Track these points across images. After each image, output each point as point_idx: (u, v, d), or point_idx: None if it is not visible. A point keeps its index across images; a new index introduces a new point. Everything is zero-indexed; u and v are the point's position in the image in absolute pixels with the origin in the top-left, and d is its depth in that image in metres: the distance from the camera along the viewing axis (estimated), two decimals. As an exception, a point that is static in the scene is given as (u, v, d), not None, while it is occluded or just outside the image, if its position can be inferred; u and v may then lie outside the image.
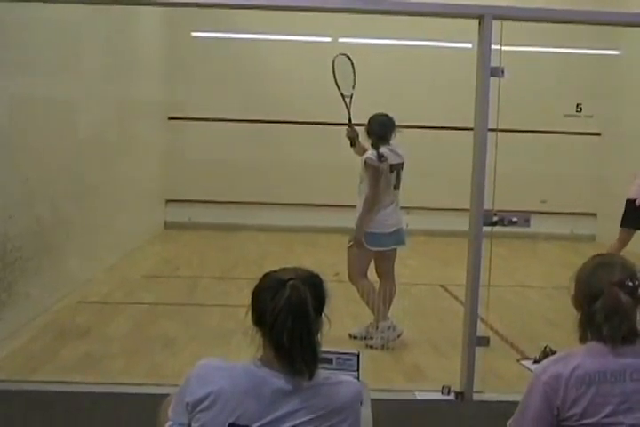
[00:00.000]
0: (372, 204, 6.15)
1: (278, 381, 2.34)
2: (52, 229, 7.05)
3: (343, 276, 6.34)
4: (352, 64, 6.58)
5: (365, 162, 6.14)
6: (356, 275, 6.28)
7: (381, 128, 6.21)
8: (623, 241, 8.23)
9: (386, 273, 6.42)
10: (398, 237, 6.33)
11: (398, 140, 6.30)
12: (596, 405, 2.52)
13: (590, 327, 2.62)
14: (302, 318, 2.32)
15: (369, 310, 6.30)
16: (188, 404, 2.37)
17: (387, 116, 6.28)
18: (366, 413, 2.69)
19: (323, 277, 2.47)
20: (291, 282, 2.35)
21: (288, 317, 2.31)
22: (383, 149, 6.14)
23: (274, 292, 2.35)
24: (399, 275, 6.58)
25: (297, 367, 2.32)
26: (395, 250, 6.39)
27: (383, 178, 6.15)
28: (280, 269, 2.45)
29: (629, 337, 2.59)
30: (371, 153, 6.15)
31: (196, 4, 5.37)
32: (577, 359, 2.57)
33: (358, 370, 2.97)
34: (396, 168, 6.26)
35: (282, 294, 2.33)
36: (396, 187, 6.31)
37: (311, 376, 2.35)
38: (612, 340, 2.57)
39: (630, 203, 8.17)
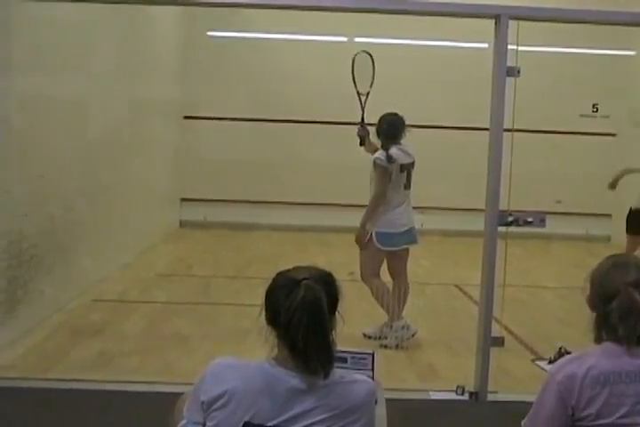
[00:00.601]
0: (377, 203, 6.15)
1: (293, 380, 2.33)
2: (67, 228, 7.07)
3: (357, 275, 6.34)
4: (373, 62, 6.56)
5: (374, 162, 6.14)
6: (369, 275, 6.27)
7: (390, 128, 6.20)
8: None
9: (398, 273, 6.41)
10: (410, 236, 6.32)
11: (411, 140, 6.29)
12: (610, 405, 2.51)
13: (605, 328, 2.61)
14: (317, 318, 2.31)
15: (382, 309, 6.30)
16: (203, 402, 2.36)
17: (396, 115, 6.26)
18: (380, 412, 2.69)
19: (336, 275, 2.46)
20: (305, 281, 2.34)
21: (303, 316, 2.30)
22: (393, 150, 6.13)
23: (288, 291, 2.33)
24: (413, 275, 6.58)
25: (312, 367, 2.31)
26: (407, 249, 6.39)
27: (393, 178, 6.14)
28: (293, 269, 2.44)
29: (645, 338, 2.58)
30: (380, 153, 6.14)
31: (211, 3, 5.38)
32: (592, 360, 2.56)
33: (373, 369, 2.96)
34: (407, 168, 6.25)
35: (296, 293, 2.31)
36: (407, 186, 6.30)
37: (326, 375, 2.34)
38: (628, 340, 2.56)
39: None
